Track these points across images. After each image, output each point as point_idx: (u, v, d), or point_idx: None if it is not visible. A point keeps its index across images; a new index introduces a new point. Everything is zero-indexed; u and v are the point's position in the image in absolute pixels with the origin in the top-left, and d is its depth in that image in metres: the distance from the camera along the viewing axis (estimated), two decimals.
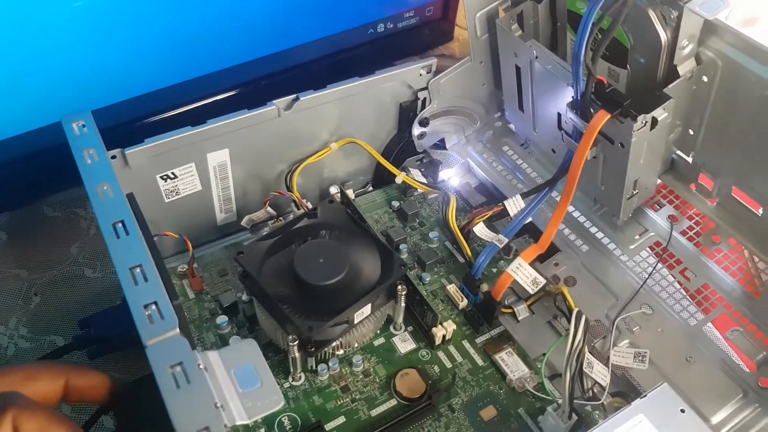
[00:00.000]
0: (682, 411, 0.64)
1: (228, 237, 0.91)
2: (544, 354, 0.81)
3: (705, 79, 0.78)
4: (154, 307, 0.56)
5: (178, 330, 0.55)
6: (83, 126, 0.70)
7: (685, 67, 0.77)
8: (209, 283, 0.86)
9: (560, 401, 0.73)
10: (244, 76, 0.98)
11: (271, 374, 0.55)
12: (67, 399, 0.58)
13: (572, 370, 0.71)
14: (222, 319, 0.80)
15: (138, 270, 0.58)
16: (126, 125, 0.91)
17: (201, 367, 0.53)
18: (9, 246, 0.94)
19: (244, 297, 0.81)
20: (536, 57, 0.83)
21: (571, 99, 0.79)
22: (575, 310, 0.74)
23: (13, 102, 0.84)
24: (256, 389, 0.54)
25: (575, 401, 0.74)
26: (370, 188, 0.99)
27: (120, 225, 0.61)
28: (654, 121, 0.75)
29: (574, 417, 0.71)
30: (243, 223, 0.86)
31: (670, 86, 0.76)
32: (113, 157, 0.76)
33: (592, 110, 0.77)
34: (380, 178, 0.98)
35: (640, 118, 0.74)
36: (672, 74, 0.77)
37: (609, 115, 0.75)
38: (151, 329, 0.55)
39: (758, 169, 0.79)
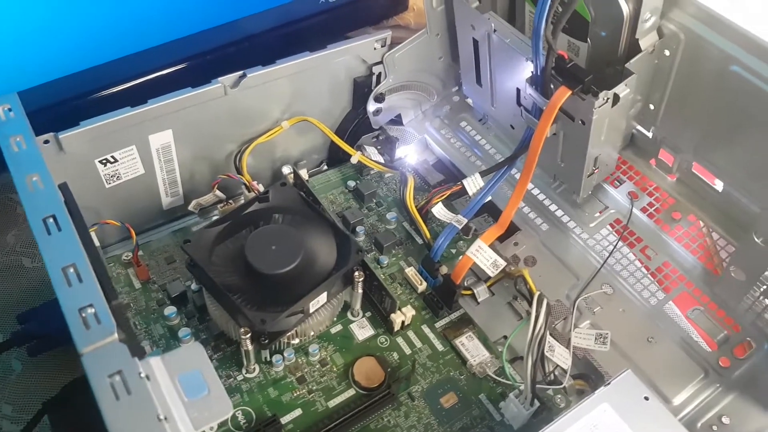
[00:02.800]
0: (646, 398, 0.63)
1: (175, 221, 0.87)
2: (505, 337, 0.79)
3: (667, 53, 0.75)
4: (90, 310, 0.52)
5: (116, 335, 0.51)
6: (9, 110, 0.64)
7: (647, 41, 0.74)
8: (156, 271, 0.82)
9: (522, 387, 0.72)
10: (186, 51, 0.92)
11: (219, 380, 0.52)
12: None
13: (534, 355, 0.70)
14: (170, 310, 0.76)
15: (71, 270, 0.54)
16: (59, 106, 0.85)
17: (142, 375, 0.50)
18: None
19: (194, 286, 0.77)
20: (494, 30, 0.80)
21: (530, 74, 0.76)
22: (537, 294, 0.72)
23: None
24: (202, 397, 0.51)
25: (537, 385, 0.73)
26: (325, 167, 0.95)
27: (51, 220, 0.57)
28: (616, 98, 0.73)
29: (537, 403, 0.70)
30: (190, 207, 0.82)
31: (632, 61, 0.74)
32: (46, 141, 0.70)
33: (552, 86, 0.74)
34: (335, 157, 0.94)
35: (602, 94, 0.71)
36: (634, 48, 0.75)
37: (570, 92, 0.72)
38: (86, 336, 0.51)
39: (718, 144, 0.78)
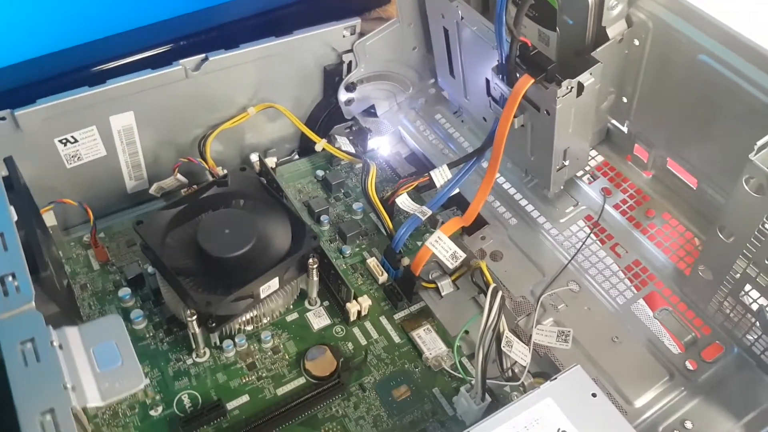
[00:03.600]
0: (594, 395, 0.60)
1: (141, 206, 0.87)
2: (466, 332, 0.77)
3: (636, 42, 0.73)
4: (10, 279, 0.52)
5: (33, 304, 0.51)
6: None
7: (614, 30, 0.72)
8: (116, 253, 0.81)
9: (474, 381, 0.70)
10: (157, 38, 0.91)
11: (134, 352, 0.51)
12: None
13: (485, 348, 0.67)
14: (124, 291, 0.76)
15: None
16: (23, 90, 0.85)
17: (55, 344, 0.49)
18: None
19: (150, 269, 0.77)
20: (461, 18, 0.78)
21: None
22: (492, 286, 0.70)
23: None
24: (115, 369, 0.50)
25: (493, 381, 0.71)
26: (296, 156, 0.94)
27: None
28: (580, 87, 0.71)
29: (488, 398, 0.67)
30: (151, 191, 0.81)
31: (598, 50, 0.72)
32: (2, 118, 0.70)
33: (518, 75, 0.73)
34: (307, 147, 0.93)
35: (565, 83, 0.69)
36: (601, 37, 0.73)
37: (533, 80, 0.70)
38: (3, 302, 0.50)
39: (690, 139, 0.75)
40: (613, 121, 0.84)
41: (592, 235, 0.82)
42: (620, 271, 0.80)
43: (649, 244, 0.80)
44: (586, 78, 0.71)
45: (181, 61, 0.76)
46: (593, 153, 0.87)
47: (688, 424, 0.69)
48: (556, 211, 0.85)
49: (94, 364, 0.50)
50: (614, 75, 0.77)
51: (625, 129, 0.83)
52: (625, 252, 0.81)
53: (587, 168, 0.87)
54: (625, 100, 0.80)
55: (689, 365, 0.72)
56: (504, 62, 0.73)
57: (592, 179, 0.86)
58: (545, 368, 0.75)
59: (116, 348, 0.51)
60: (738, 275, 0.67)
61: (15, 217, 0.58)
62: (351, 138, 0.92)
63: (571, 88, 0.70)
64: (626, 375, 0.72)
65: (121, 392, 0.49)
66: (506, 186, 0.88)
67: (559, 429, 0.58)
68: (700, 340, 0.74)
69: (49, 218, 0.76)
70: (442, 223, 0.85)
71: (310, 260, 0.73)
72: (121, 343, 0.51)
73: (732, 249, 0.66)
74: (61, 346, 0.50)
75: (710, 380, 0.71)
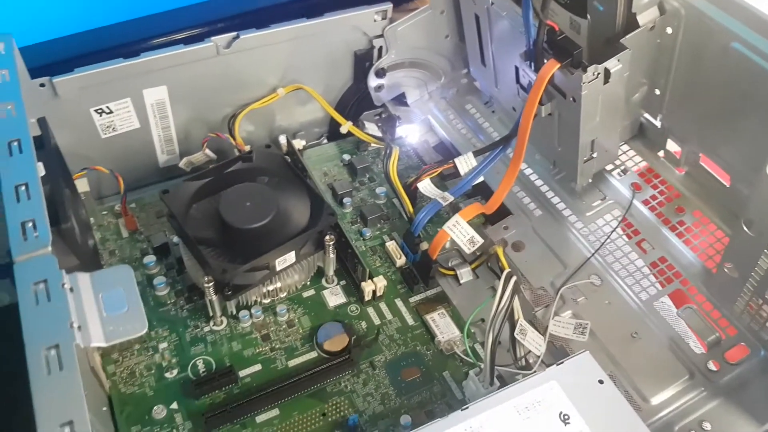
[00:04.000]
0: (601, 382, 0.59)
1: (173, 180, 0.88)
2: (482, 320, 0.76)
3: (669, 30, 0.72)
4: (30, 225, 0.54)
5: (49, 249, 0.53)
6: (1, 48, 0.68)
7: (645, 17, 0.71)
8: (145, 223, 0.83)
9: (483, 366, 0.69)
10: (195, 19, 0.93)
11: (140, 301, 0.53)
12: None
13: (495, 332, 0.66)
14: (150, 258, 0.78)
15: (23, 188, 0.57)
16: (66, 63, 0.88)
17: (66, 286, 0.51)
18: None
19: (175, 239, 0.79)
20: (492, 3, 0.78)
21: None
22: (506, 271, 0.69)
23: None
24: (121, 314, 0.52)
25: (505, 369, 0.70)
26: (325, 141, 0.95)
27: (15, 144, 0.60)
28: (607, 73, 0.70)
29: (497, 383, 0.67)
30: (181, 164, 0.84)
31: (627, 36, 0.71)
32: (41, 85, 0.74)
33: (545, 60, 0.72)
34: (336, 131, 0.93)
35: (591, 68, 0.69)
36: (632, 24, 0.72)
37: (558, 64, 0.70)
38: (22, 245, 0.53)
39: (723, 133, 0.73)
40: (646, 115, 0.82)
41: (617, 230, 0.80)
42: (645, 267, 0.78)
43: (677, 241, 0.78)
44: (613, 64, 0.70)
45: (212, 38, 0.78)
46: (625, 147, 0.86)
47: (707, 425, 0.66)
48: (583, 205, 0.83)
49: (101, 308, 0.52)
50: (646, 65, 0.76)
51: (658, 123, 0.81)
52: (652, 248, 0.79)
53: (618, 162, 0.85)
54: (657, 92, 0.78)
55: (711, 366, 0.70)
56: (531, 47, 0.73)
57: (622, 174, 0.84)
58: (560, 360, 0.74)
59: (124, 295, 0.53)
60: (764, 273, 0.65)
61: (42, 172, 0.61)
62: (380, 125, 0.93)
63: (598, 74, 0.70)
64: (644, 371, 0.70)
65: (123, 335, 0.51)
66: (533, 177, 0.87)
67: (561, 412, 0.57)
68: (725, 341, 0.71)
69: (82, 184, 0.78)
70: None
71: (327, 237, 0.74)
72: (128, 291, 0.53)
73: (757, 244, 0.64)
74: (72, 290, 0.52)
75: (732, 382, 0.69)
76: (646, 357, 0.72)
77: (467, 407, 0.57)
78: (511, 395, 0.58)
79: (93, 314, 0.52)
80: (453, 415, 0.57)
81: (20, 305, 0.49)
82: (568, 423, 0.56)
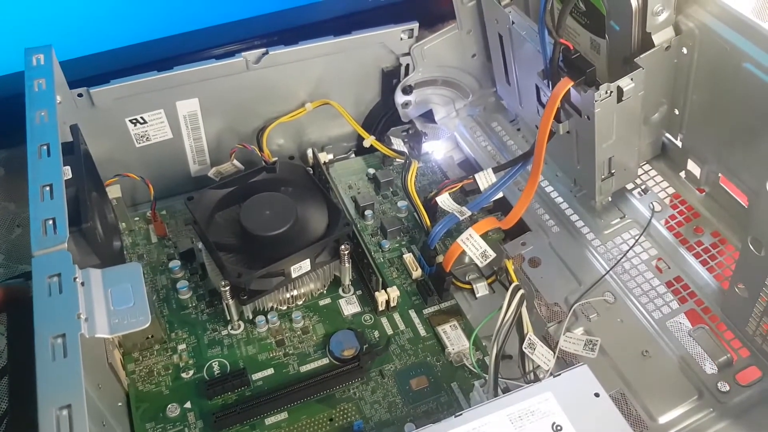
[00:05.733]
0: (597, 395, 0.59)
1: (203, 189, 0.92)
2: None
3: (684, 51, 0.72)
4: (51, 222, 0.58)
5: (65, 245, 0.56)
6: (42, 59, 0.73)
7: (660, 37, 0.71)
8: (174, 230, 0.87)
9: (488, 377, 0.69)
10: (236, 36, 0.98)
11: (146, 296, 0.56)
12: None
13: (500, 344, 0.67)
14: (175, 263, 0.82)
15: (48, 188, 0.61)
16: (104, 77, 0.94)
17: (78, 280, 0.55)
18: (4, 180, 0.99)
19: (200, 245, 0.82)
20: (512, 23, 0.80)
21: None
22: (514, 284, 0.70)
23: (8, 42, 0.89)
24: (126, 308, 0.55)
25: (513, 382, 0.70)
26: (353, 155, 0.98)
27: (45, 147, 0.64)
28: (620, 92, 0.70)
29: (501, 395, 0.67)
30: (210, 174, 0.87)
31: (642, 56, 0.71)
32: (79, 95, 0.78)
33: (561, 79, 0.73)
34: (363, 147, 0.96)
35: (603, 86, 0.69)
36: (648, 44, 0.72)
37: (572, 83, 0.71)
38: (41, 241, 0.57)
39: (740, 153, 0.73)
40: (667, 135, 0.82)
41: (634, 249, 0.80)
42: (660, 286, 0.77)
43: (694, 261, 0.78)
44: (626, 83, 0.70)
45: (243, 53, 0.82)
46: (647, 167, 0.86)
47: None
48: (602, 223, 0.83)
49: (109, 302, 0.55)
50: (664, 85, 0.76)
51: (678, 143, 0.81)
52: (668, 267, 0.78)
53: (638, 182, 0.85)
54: (677, 112, 0.78)
55: (722, 386, 0.69)
56: (548, 66, 0.74)
57: (642, 193, 0.84)
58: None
59: (131, 290, 0.56)
60: None
61: (68, 176, 0.65)
62: (406, 141, 0.95)
63: (611, 92, 0.70)
64: (652, 390, 0.70)
65: (127, 328, 0.54)
66: (554, 195, 0.88)
67: (554, 423, 0.58)
68: (737, 362, 0.70)
69: (114, 190, 0.83)
70: None
71: (342, 246, 0.76)
72: (135, 286, 0.56)
73: (764, 263, 0.63)
74: (83, 284, 0.55)
75: (742, 404, 0.68)
76: (656, 375, 0.71)
77: (461, 414, 0.58)
78: (505, 404, 0.58)
79: (101, 307, 0.55)
80: (445, 422, 0.58)
81: (34, 296, 0.53)
82: None
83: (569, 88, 0.71)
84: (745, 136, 0.70)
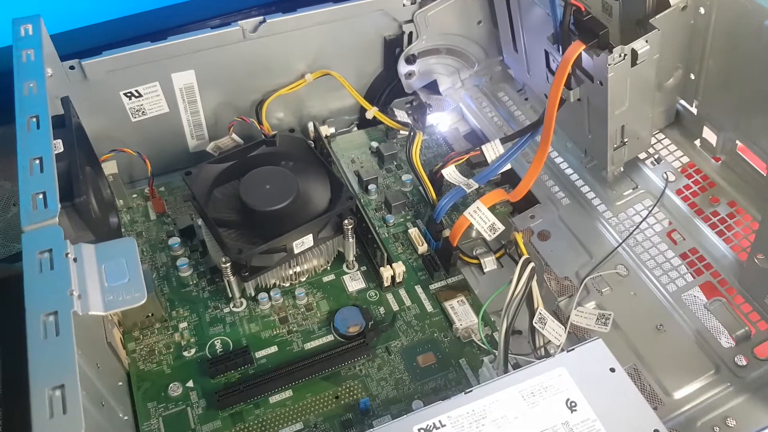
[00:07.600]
0: (612, 370, 0.57)
1: (201, 164, 0.90)
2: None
3: (702, 10, 0.69)
4: (41, 196, 0.55)
5: (56, 220, 0.54)
6: (30, 29, 0.70)
7: None
8: (173, 206, 0.85)
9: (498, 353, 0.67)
10: (241, 3, 0.94)
11: (141, 272, 0.54)
12: None
13: (510, 318, 0.65)
14: (174, 240, 0.80)
15: (37, 162, 0.58)
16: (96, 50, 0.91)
17: (69, 256, 0.52)
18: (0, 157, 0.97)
19: (199, 222, 0.80)
20: None
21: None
22: (524, 257, 0.68)
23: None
24: (121, 284, 0.53)
25: (523, 357, 0.68)
26: (355, 128, 0.95)
27: (34, 120, 0.62)
28: (634, 55, 0.67)
29: (511, 371, 0.65)
30: (208, 148, 0.84)
31: (657, 17, 0.68)
32: (71, 67, 0.76)
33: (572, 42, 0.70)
34: (366, 119, 0.93)
35: (617, 49, 0.66)
36: (663, 4, 0.69)
37: (584, 46, 0.68)
38: (31, 216, 0.54)
39: (759, 119, 0.70)
40: (682, 101, 0.79)
41: (647, 220, 0.77)
42: (675, 258, 0.75)
43: (710, 232, 0.75)
44: (640, 45, 0.67)
45: (239, 21, 0.79)
46: (660, 136, 0.83)
47: (731, 422, 0.63)
48: (614, 194, 0.81)
49: (103, 278, 0.53)
50: (680, 48, 0.73)
51: (693, 110, 0.78)
52: (683, 239, 0.75)
53: (651, 151, 0.82)
54: (692, 77, 0.75)
55: (739, 360, 0.67)
56: (558, 29, 0.71)
57: (656, 163, 0.81)
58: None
59: (125, 266, 0.54)
60: None
61: (60, 149, 0.63)
62: (410, 112, 0.92)
63: (624, 55, 0.67)
64: (667, 365, 0.68)
65: (122, 305, 0.52)
66: (563, 166, 0.85)
67: (568, 399, 0.55)
68: (755, 336, 0.68)
69: (111, 166, 0.80)
70: None
71: (346, 221, 0.74)
72: (130, 262, 0.54)
73: None
74: (75, 260, 0.53)
75: (761, 378, 0.66)
76: (671, 350, 0.69)
77: (470, 390, 0.56)
78: (516, 380, 0.57)
79: (94, 284, 0.52)
80: (455, 398, 0.56)
81: (24, 272, 0.51)
82: (575, 410, 0.54)
83: (581, 52, 0.69)
84: (765, 101, 0.67)
